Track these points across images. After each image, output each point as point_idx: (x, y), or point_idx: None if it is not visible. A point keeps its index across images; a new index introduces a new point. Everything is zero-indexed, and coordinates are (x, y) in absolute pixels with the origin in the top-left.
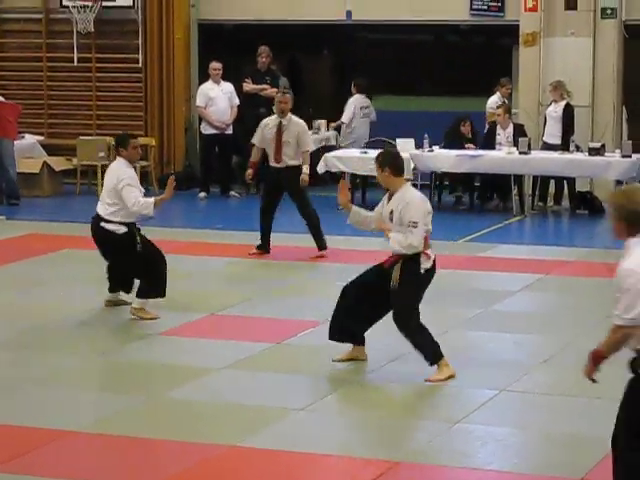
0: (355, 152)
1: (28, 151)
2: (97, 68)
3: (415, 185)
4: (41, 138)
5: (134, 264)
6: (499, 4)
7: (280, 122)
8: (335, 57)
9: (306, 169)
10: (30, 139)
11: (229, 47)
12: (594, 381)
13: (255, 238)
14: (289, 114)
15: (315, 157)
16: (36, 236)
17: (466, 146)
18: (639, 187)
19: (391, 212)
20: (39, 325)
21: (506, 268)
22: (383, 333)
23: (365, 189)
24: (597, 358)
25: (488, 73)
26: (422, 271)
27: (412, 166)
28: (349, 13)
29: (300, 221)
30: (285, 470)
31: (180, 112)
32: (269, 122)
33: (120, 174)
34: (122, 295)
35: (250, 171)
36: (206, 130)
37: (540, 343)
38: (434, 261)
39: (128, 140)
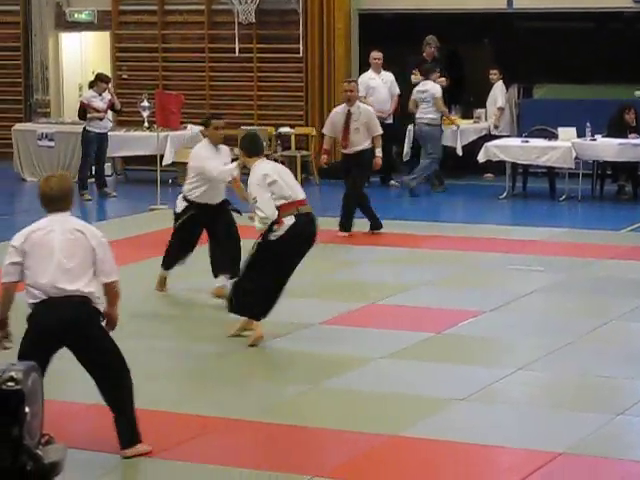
0: (516, 141)
1: (190, 141)
2: (258, 58)
3: (577, 174)
4: (203, 128)
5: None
6: None
7: (349, 110)
8: (496, 46)
9: (378, 152)
10: (192, 129)
11: (389, 36)
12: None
13: (424, 228)
14: (357, 102)
15: (475, 146)
16: None
17: (629, 135)
18: (60, 174)
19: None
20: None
21: None
22: (547, 328)
23: (526, 178)
24: None
25: None
26: (272, 238)
27: (574, 155)
28: (510, 2)
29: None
30: (445, 460)
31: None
32: (338, 111)
33: (200, 153)
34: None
35: (324, 157)
36: None
37: None
38: (290, 227)
39: (210, 121)
